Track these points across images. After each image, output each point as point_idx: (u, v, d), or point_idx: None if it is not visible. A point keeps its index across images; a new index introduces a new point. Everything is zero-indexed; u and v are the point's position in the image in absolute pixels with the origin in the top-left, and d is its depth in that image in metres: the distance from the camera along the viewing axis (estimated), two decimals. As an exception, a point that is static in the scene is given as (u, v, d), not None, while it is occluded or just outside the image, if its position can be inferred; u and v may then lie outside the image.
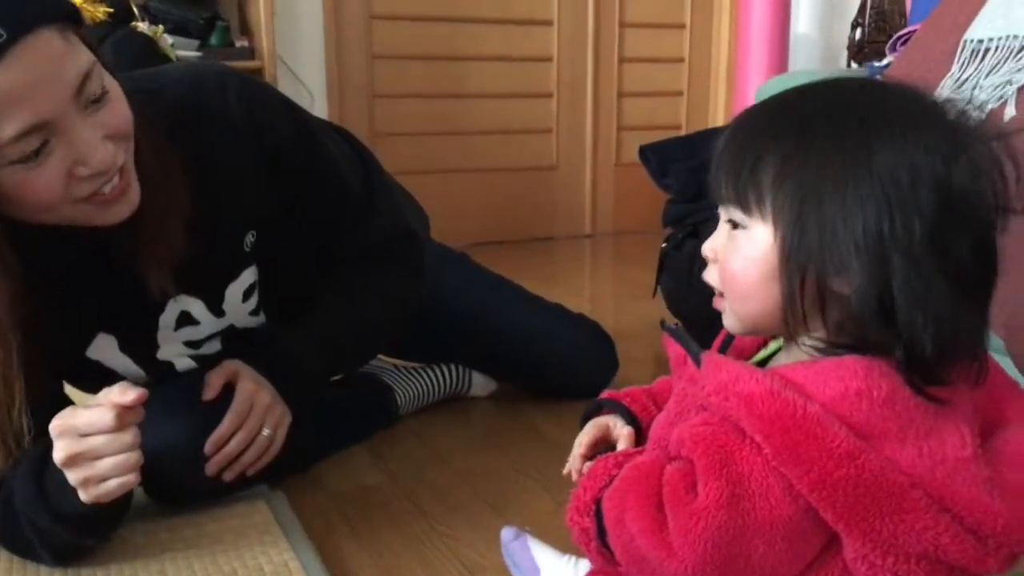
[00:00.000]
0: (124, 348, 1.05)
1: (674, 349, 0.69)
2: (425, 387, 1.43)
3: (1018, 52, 1.06)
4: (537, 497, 1.15)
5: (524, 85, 2.89)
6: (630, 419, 0.79)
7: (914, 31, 1.32)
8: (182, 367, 1.11)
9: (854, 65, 2.74)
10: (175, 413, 1.02)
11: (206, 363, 1.09)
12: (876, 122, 0.57)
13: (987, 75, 1.08)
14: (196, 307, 1.06)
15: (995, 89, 1.06)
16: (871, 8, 2.66)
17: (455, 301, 1.40)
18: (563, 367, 1.43)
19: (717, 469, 0.59)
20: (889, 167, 0.56)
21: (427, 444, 1.33)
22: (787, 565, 0.60)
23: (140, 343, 1.06)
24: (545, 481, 1.19)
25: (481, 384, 1.51)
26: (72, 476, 0.85)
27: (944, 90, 1.12)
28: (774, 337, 0.70)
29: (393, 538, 1.05)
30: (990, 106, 1.06)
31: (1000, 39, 1.09)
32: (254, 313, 1.13)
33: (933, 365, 0.57)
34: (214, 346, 1.12)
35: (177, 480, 1.04)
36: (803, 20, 3.17)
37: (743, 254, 0.62)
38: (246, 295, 1.09)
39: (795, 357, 0.64)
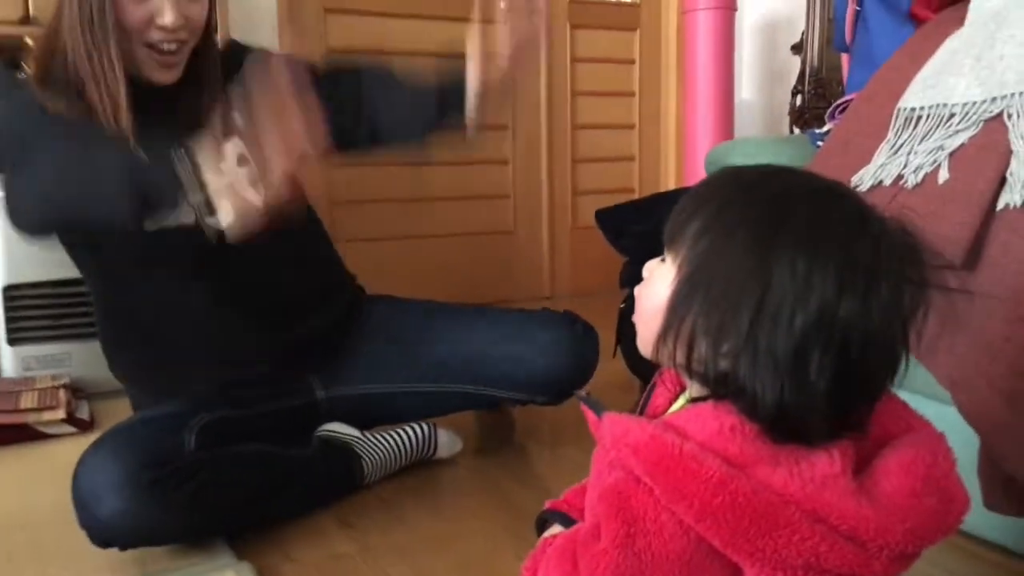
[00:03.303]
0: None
1: (589, 416, 0.73)
2: (391, 452, 1.43)
3: (947, 119, 1.13)
4: (505, 560, 1.16)
5: (481, 153, 2.95)
6: (572, 525, 0.82)
7: (851, 100, 1.39)
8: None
9: (796, 130, 2.86)
10: (112, 446, 1.11)
11: None
12: (792, 229, 0.62)
13: (920, 141, 1.15)
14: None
15: (929, 154, 1.13)
16: (810, 76, 2.79)
17: (416, 326, 1.46)
18: (535, 362, 1.40)
19: (614, 512, 0.64)
20: (781, 280, 0.60)
21: (394, 510, 1.33)
22: None
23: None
24: (513, 543, 1.20)
25: (447, 445, 1.52)
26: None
27: (881, 155, 1.19)
28: (683, 393, 0.75)
29: (364, 606, 1.05)
30: (925, 171, 1.12)
31: (931, 107, 1.16)
32: None
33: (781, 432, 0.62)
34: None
35: (115, 519, 1.08)
36: (746, 87, 3.31)
37: (652, 282, 0.70)
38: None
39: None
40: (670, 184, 3.29)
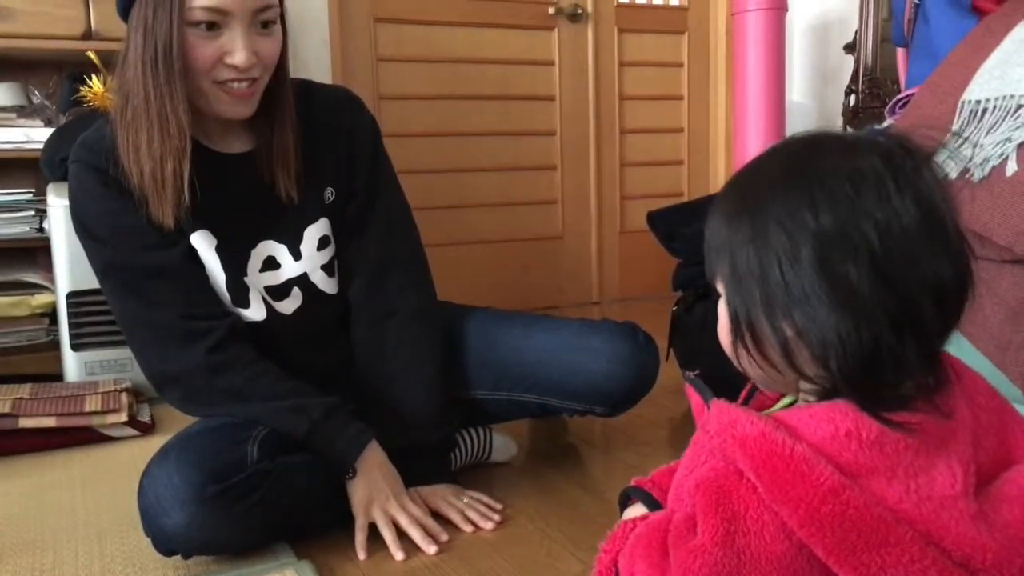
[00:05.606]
0: (219, 249, 1.23)
1: (694, 398, 0.72)
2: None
3: (1015, 111, 1.10)
4: (564, 561, 1.15)
5: (529, 158, 2.96)
6: (656, 506, 0.81)
7: (911, 94, 1.37)
8: (254, 313, 1.27)
9: (850, 130, 2.81)
10: (177, 458, 1.10)
11: (277, 321, 1.28)
12: (761, 186, 0.65)
13: (987, 133, 1.13)
14: (279, 251, 1.27)
15: (995, 147, 1.10)
16: (864, 76, 2.74)
17: (473, 333, 1.45)
18: (595, 372, 1.37)
19: (714, 507, 0.62)
20: (772, 230, 0.62)
21: (451, 511, 1.33)
22: None
23: (234, 254, 1.24)
24: (571, 545, 1.19)
25: (501, 448, 1.52)
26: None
27: (945, 150, 1.17)
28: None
29: (424, 605, 1.05)
30: (992, 164, 1.10)
31: (997, 99, 1.13)
32: (328, 272, 1.31)
33: (870, 396, 0.60)
34: (292, 304, 1.29)
35: (180, 531, 1.08)
36: (797, 89, 3.27)
37: (720, 318, 0.69)
38: (321, 243, 1.30)
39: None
40: (719, 187, 3.25)
